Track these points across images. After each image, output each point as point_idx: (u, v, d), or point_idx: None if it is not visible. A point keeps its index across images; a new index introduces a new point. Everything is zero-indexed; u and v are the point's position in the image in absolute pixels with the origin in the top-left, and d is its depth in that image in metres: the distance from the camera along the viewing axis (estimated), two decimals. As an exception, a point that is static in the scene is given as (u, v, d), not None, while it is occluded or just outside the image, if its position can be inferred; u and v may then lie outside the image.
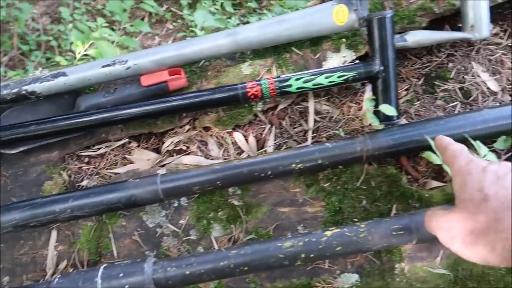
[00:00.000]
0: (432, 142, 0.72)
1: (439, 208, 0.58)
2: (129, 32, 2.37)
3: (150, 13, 2.51)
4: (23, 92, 0.87)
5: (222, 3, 2.31)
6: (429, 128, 0.76)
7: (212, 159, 0.89)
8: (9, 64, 2.17)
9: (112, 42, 1.99)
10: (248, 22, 2.21)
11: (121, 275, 0.69)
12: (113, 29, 2.33)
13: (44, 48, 2.29)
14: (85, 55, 1.86)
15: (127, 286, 0.68)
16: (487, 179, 0.49)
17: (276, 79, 0.82)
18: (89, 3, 2.47)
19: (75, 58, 1.94)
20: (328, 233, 0.70)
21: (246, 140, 0.89)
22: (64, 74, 0.87)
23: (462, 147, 0.59)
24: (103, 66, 0.86)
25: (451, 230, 0.51)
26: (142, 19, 2.52)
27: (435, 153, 0.72)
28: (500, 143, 0.79)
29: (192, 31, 2.05)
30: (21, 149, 0.89)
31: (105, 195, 0.76)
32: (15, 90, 0.87)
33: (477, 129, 0.76)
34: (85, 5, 2.43)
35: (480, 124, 0.76)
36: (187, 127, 0.92)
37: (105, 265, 0.72)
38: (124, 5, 1.93)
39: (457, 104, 0.88)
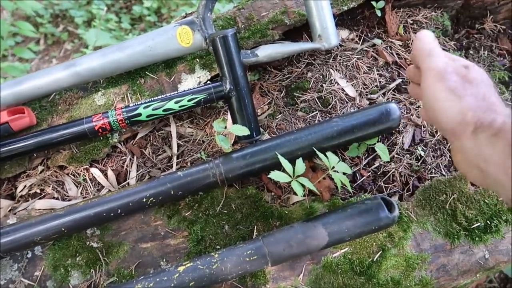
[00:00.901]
0: (282, 159, 0.72)
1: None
2: (23, 58, 2.21)
3: (46, 35, 2.37)
4: None
5: (120, 18, 2.22)
6: (280, 145, 0.76)
7: (70, 200, 0.83)
8: None
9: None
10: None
11: None
12: (4, 56, 2.18)
13: None
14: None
15: None
16: (469, 64, 0.53)
17: (124, 109, 0.78)
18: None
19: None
20: (181, 268, 0.67)
21: (105, 175, 0.84)
22: None
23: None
24: None
25: (447, 72, 0.51)
26: (38, 41, 2.37)
27: (285, 171, 0.71)
28: (352, 151, 0.80)
29: (85, 52, 1.94)
30: None
31: None
32: None
33: (328, 140, 0.76)
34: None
35: (331, 135, 0.77)
36: (40, 168, 0.85)
37: None
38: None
39: (317, 113, 0.88)
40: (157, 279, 0.66)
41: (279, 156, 0.72)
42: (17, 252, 0.75)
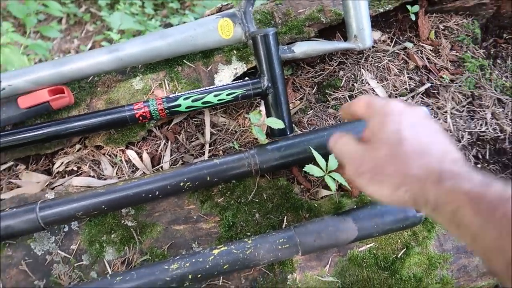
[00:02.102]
0: (316, 154, 0.75)
1: (348, 134, 0.55)
2: (46, 36, 2.24)
3: (68, 15, 2.39)
4: None
5: (143, 3, 2.24)
6: (313, 140, 0.78)
7: (105, 179, 0.86)
8: None
9: (26, 47, 1.86)
10: (170, 24, 2.16)
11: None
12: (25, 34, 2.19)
13: None
14: (-10, 64, 1.73)
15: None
16: (404, 122, 0.48)
17: (164, 99, 0.80)
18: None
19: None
20: (216, 251, 0.70)
21: (140, 157, 0.87)
22: None
23: (369, 95, 0.58)
24: (-25, 88, 0.80)
25: (362, 165, 0.49)
26: (60, 21, 2.38)
27: (319, 165, 0.74)
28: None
29: (109, 34, 1.96)
30: None
31: (-21, 228, 0.71)
32: None
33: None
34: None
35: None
36: (77, 146, 0.88)
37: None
38: (27, 9, 1.80)
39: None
40: (193, 260, 0.69)
41: (313, 151, 0.75)
42: (59, 225, 0.78)
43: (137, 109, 0.80)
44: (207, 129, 0.89)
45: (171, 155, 0.88)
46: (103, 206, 0.74)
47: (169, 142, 0.89)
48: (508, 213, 0.35)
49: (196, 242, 0.79)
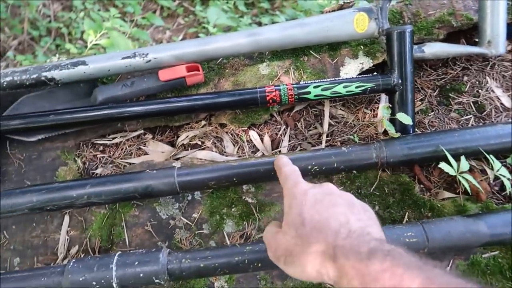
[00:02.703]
0: (447, 154, 0.74)
1: (275, 224, 0.60)
2: (140, 24, 2.38)
3: (162, 7, 2.52)
4: (43, 78, 0.87)
5: (235, 2, 2.32)
6: (444, 139, 0.78)
7: (226, 156, 0.90)
8: (19, 48, 2.17)
9: (124, 33, 2.00)
10: (260, 22, 2.22)
11: (136, 263, 0.70)
12: (125, 21, 2.34)
13: (54, 35, 2.29)
14: (96, 44, 1.87)
15: (141, 274, 0.69)
16: (306, 203, 0.52)
17: (295, 86, 0.83)
18: (101, -7, 2.48)
19: (85, 46, 1.95)
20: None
21: (262, 139, 0.91)
22: (84, 63, 0.87)
23: (294, 169, 0.63)
24: (123, 58, 0.87)
25: (277, 250, 0.54)
26: (154, 12, 2.52)
27: (450, 165, 0.74)
28: (512, 159, 0.81)
29: (204, 27, 2.05)
30: (39, 137, 0.90)
31: (122, 184, 0.77)
32: (34, 76, 0.87)
33: (490, 143, 0.78)
34: (97, -5, 2.44)
35: (494, 139, 0.78)
36: (203, 122, 0.93)
37: (119, 252, 0.73)
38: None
39: (470, 117, 0.90)
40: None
41: (445, 150, 0.75)
42: (191, 192, 0.82)
43: (269, 92, 0.83)
44: (326, 120, 0.91)
45: (289, 141, 0.91)
46: (234, 179, 0.77)
47: (289, 128, 0.92)
48: (386, 283, 0.40)
49: (313, 226, 0.81)
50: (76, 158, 0.92)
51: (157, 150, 0.93)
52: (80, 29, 2.21)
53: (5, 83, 0.87)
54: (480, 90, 0.92)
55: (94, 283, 0.69)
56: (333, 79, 0.84)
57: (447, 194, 0.81)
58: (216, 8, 1.99)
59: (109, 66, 0.87)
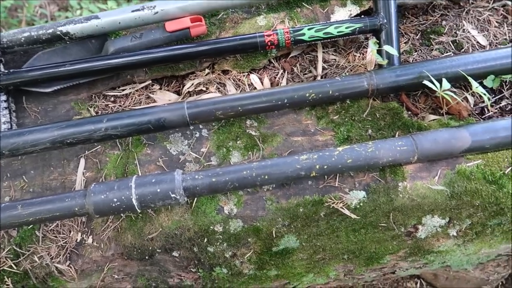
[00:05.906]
0: (431, 77, 0.82)
1: None
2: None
3: None
4: (58, 32, 0.94)
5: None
6: (427, 66, 0.86)
7: (230, 99, 0.97)
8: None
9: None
10: None
11: (153, 180, 0.76)
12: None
13: (51, 33, 2.36)
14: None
15: (158, 190, 0.75)
16: None
17: (291, 29, 0.92)
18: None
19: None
20: (340, 148, 0.79)
21: (262, 82, 0.98)
22: (96, 17, 0.95)
23: None
24: (133, 11, 0.94)
25: None
26: None
27: (434, 84, 0.82)
28: (488, 81, 0.90)
29: None
30: (55, 88, 0.96)
31: (137, 118, 0.84)
32: (50, 31, 0.94)
33: (469, 68, 0.86)
34: (91, -6, 2.52)
35: (472, 64, 0.86)
36: (207, 70, 1.01)
37: (136, 175, 0.79)
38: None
39: (450, 54, 0.98)
40: (320, 153, 0.78)
41: (429, 75, 0.83)
42: (200, 123, 0.89)
43: (267, 36, 0.92)
44: (319, 63, 0.99)
45: (286, 84, 0.98)
46: (239, 108, 0.85)
47: (286, 72, 1.00)
48: None
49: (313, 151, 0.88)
50: (89, 108, 0.98)
51: (164, 98, 1.00)
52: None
53: (22, 38, 0.94)
54: (457, 32, 1.01)
55: (115, 199, 0.75)
56: (325, 22, 0.92)
57: (433, 117, 0.89)
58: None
59: (120, 19, 0.94)
